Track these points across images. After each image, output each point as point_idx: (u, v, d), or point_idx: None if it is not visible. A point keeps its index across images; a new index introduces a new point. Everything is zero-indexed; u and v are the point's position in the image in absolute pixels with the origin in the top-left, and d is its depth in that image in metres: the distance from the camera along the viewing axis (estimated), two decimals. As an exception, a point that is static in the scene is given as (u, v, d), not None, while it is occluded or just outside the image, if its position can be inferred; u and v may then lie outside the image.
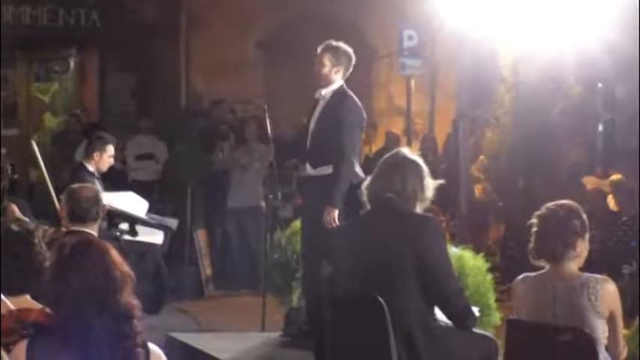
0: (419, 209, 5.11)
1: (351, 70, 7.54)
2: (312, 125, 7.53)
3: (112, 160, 9.24)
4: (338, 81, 7.49)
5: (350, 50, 7.54)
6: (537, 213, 5.04)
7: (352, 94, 7.51)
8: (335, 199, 7.24)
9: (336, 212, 7.20)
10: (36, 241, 4.29)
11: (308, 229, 7.53)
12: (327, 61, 7.44)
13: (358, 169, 7.43)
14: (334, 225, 7.11)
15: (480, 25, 12.45)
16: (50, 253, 3.93)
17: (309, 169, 7.54)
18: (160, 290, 10.84)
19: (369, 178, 5.22)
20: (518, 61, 12.96)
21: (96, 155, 9.04)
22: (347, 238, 5.31)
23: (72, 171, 9.43)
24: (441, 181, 5.29)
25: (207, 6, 16.46)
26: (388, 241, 4.94)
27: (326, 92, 7.48)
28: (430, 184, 5.14)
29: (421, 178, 5.11)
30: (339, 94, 7.48)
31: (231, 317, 10.53)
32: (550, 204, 5.07)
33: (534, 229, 5.01)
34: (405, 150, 5.35)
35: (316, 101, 7.57)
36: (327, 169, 7.38)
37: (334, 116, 7.39)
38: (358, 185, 7.27)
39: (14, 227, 4.34)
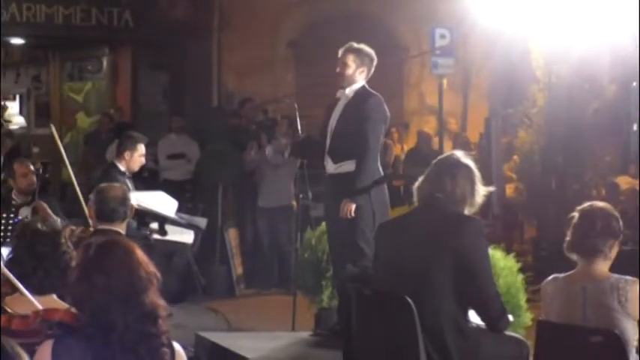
0: (467, 213, 5.07)
1: (372, 71, 7.53)
2: (333, 123, 7.51)
3: (143, 160, 9.16)
4: (360, 81, 7.49)
5: (372, 52, 7.53)
6: (580, 208, 5.02)
7: (375, 92, 7.49)
8: (355, 194, 7.23)
9: (354, 206, 7.20)
10: (62, 240, 4.31)
11: (335, 228, 7.50)
12: (351, 62, 7.44)
13: (379, 167, 7.44)
14: (349, 217, 7.15)
15: (513, 23, 12.36)
16: (76, 253, 3.93)
17: (330, 167, 7.51)
18: (186, 287, 10.84)
19: (420, 179, 5.17)
20: (551, 60, 12.84)
21: (127, 154, 8.97)
22: (389, 233, 5.28)
23: (103, 170, 9.41)
24: (491, 188, 5.24)
25: (238, 5, 16.49)
26: (429, 239, 4.91)
27: (349, 91, 7.48)
28: (481, 190, 5.09)
29: (472, 183, 5.07)
30: (362, 92, 7.47)
31: (262, 316, 10.52)
32: (592, 203, 5.08)
33: (574, 221, 4.98)
34: (459, 153, 5.27)
35: (336, 100, 7.57)
36: (350, 165, 7.35)
37: (359, 112, 7.37)
38: (380, 181, 7.33)
39: (41, 227, 4.36)
